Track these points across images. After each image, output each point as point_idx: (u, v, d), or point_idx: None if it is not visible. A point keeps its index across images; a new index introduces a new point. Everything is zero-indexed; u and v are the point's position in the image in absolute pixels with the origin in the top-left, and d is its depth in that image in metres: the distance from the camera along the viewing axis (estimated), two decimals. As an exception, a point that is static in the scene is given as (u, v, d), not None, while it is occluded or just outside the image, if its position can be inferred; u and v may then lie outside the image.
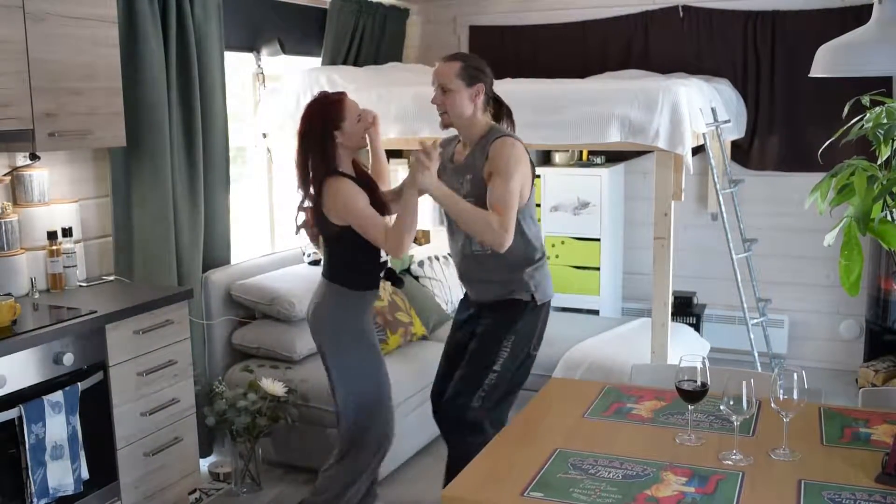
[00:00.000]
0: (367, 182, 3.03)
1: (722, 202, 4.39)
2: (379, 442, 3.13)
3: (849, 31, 2.98)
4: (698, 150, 4.24)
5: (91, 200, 3.55)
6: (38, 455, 2.64)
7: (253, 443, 3.63)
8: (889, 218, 1.98)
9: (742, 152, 5.13)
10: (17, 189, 3.22)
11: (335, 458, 3.11)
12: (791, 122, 4.96)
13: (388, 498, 3.59)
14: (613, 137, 3.77)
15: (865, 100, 2.27)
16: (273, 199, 4.80)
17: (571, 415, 2.40)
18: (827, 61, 2.92)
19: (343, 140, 2.93)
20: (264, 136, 4.58)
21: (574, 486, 1.93)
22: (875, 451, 2.09)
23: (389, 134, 4.17)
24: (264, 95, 4.60)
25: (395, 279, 4.31)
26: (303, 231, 3.10)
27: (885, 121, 2.10)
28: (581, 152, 5.22)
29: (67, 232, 3.27)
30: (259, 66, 4.59)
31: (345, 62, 5.00)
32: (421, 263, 4.73)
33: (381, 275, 3.16)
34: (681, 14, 5.10)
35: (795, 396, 2.07)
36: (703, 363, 2.17)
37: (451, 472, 2.94)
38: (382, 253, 3.07)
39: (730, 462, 2.05)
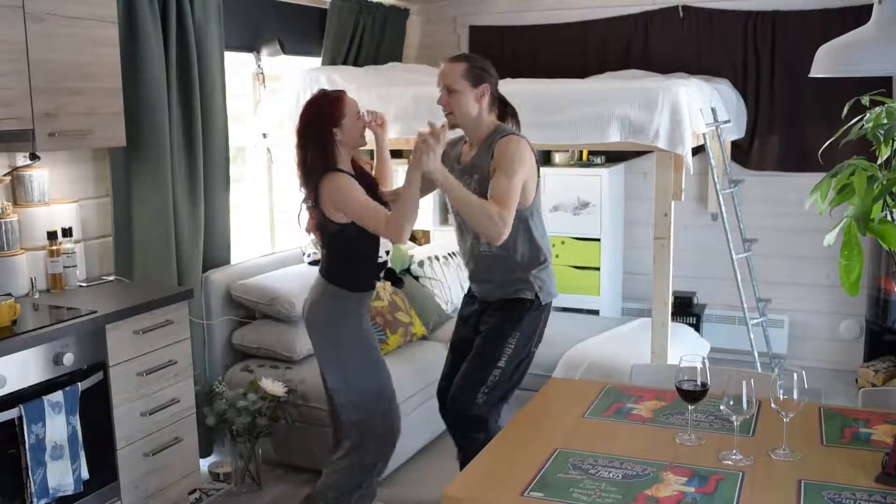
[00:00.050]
0: (366, 181, 3.03)
1: (722, 202, 4.39)
2: (385, 435, 3.13)
3: (849, 31, 2.98)
4: (698, 150, 4.24)
5: (91, 200, 3.55)
6: (38, 455, 2.64)
7: (253, 443, 3.63)
8: (889, 218, 1.98)
9: (742, 152, 5.13)
10: (17, 189, 3.22)
11: (344, 450, 3.10)
12: (791, 122, 4.96)
13: (389, 498, 3.59)
14: (613, 137, 3.77)
15: (865, 100, 2.27)
16: (273, 199, 4.80)
17: (571, 415, 2.40)
18: (827, 61, 2.91)
19: (342, 137, 2.93)
20: (264, 136, 4.58)
21: (574, 486, 1.93)
22: (875, 451, 2.09)
23: (389, 134, 4.14)
24: (264, 95, 4.60)
25: (395, 279, 4.32)
26: (304, 231, 3.10)
27: (885, 121, 2.10)
28: (581, 152, 5.22)
29: (67, 232, 3.27)
30: (259, 66, 4.59)
31: (345, 62, 5.00)
32: (421, 263, 4.73)
33: (381, 275, 3.16)
34: (681, 14, 5.10)
35: (795, 396, 2.07)
36: (703, 363, 2.17)
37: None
38: (382, 253, 3.07)
39: (730, 462, 2.05)
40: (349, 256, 3.02)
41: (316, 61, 4.92)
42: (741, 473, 1.99)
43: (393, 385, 3.16)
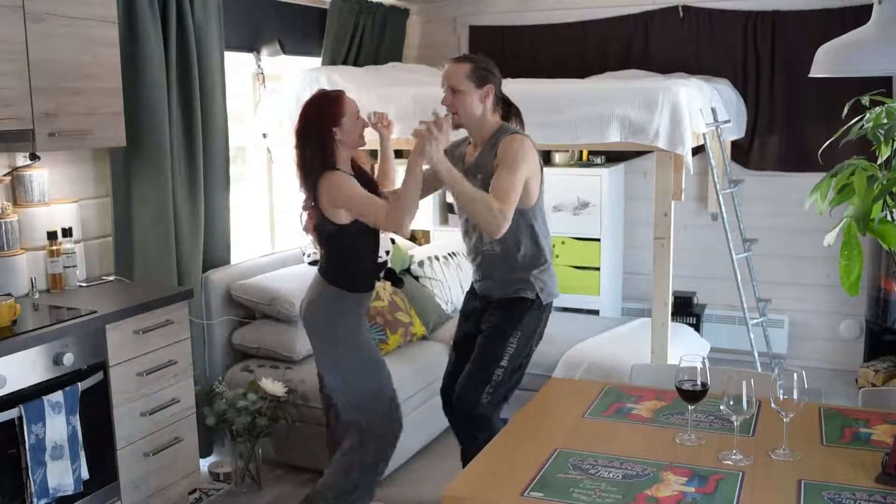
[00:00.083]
0: (365, 180, 3.03)
1: (722, 202, 4.39)
2: (386, 435, 3.13)
3: (849, 31, 2.98)
4: (698, 150, 4.24)
5: (91, 200, 3.55)
6: (38, 455, 2.64)
7: (253, 443, 3.63)
8: (889, 218, 1.98)
9: (742, 152, 5.13)
10: (17, 189, 3.22)
11: (344, 450, 3.10)
12: (791, 122, 4.96)
13: (389, 498, 3.59)
14: (613, 137, 3.77)
15: (865, 100, 2.27)
16: (273, 199, 4.80)
17: (571, 415, 2.40)
18: (827, 61, 2.91)
19: (342, 137, 2.93)
20: (264, 136, 4.58)
21: (574, 486, 1.93)
22: (875, 451, 2.09)
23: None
24: (264, 95, 4.60)
25: (395, 279, 4.33)
26: (304, 231, 3.10)
27: (885, 121, 2.10)
28: (581, 152, 5.22)
29: (67, 232, 3.27)
30: (259, 66, 4.59)
31: (345, 62, 5.00)
32: (421, 263, 4.73)
33: (381, 275, 3.16)
34: (681, 14, 5.10)
35: (795, 396, 2.07)
36: (703, 363, 2.17)
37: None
38: (382, 253, 3.07)
39: (730, 462, 2.05)
40: (348, 257, 3.02)
41: (316, 61, 4.92)
42: (741, 473, 1.99)
43: (393, 385, 3.16)
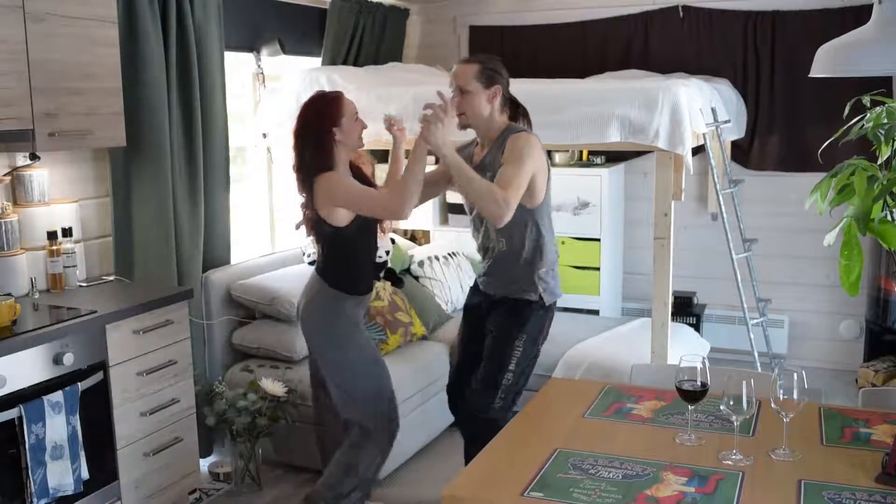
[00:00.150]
0: (366, 184, 3.03)
1: (722, 202, 4.39)
2: (385, 435, 3.14)
3: (849, 31, 2.98)
4: (698, 150, 4.24)
5: (91, 200, 3.55)
6: (38, 455, 2.64)
7: (253, 443, 3.63)
8: (889, 218, 1.98)
9: (742, 152, 5.13)
10: (17, 189, 3.22)
11: (343, 450, 3.10)
12: (791, 122, 4.96)
13: (388, 498, 3.59)
14: (613, 137, 3.77)
15: (866, 100, 2.27)
16: (273, 199, 4.80)
17: (571, 415, 2.40)
18: (827, 61, 2.91)
19: (341, 137, 2.93)
20: (264, 136, 4.58)
21: (574, 486, 1.93)
22: (875, 451, 2.09)
23: (389, 134, 4.16)
24: (264, 95, 4.60)
25: (395, 279, 4.33)
26: (304, 231, 3.10)
27: (885, 121, 2.10)
28: (581, 152, 5.22)
29: (67, 232, 3.27)
30: (259, 66, 4.59)
31: (345, 62, 5.00)
32: (421, 263, 4.73)
33: (381, 275, 3.16)
34: (681, 14, 5.10)
35: (795, 396, 2.07)
36: (703, 363, 2.17)
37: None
38: (382, 252, 3.07)
39: (730, 462, 2.05)
40: (345, 258, 3.02)
41: (316, 61, 4.92)
42: (741, 473, 1.99)
43: (392, 384, 3.16)
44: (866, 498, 1.86)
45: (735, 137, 4.92)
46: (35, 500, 2.64)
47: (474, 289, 3.29)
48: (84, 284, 3.35)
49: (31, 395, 2.65)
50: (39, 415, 2.64)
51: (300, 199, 3.01)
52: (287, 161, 3.03)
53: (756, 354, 4.40)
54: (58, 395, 2.71)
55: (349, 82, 4.38)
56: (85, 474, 2.81)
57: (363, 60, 5.12)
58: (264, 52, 4.53)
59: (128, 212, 3.58)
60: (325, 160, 2.90)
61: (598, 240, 5.04)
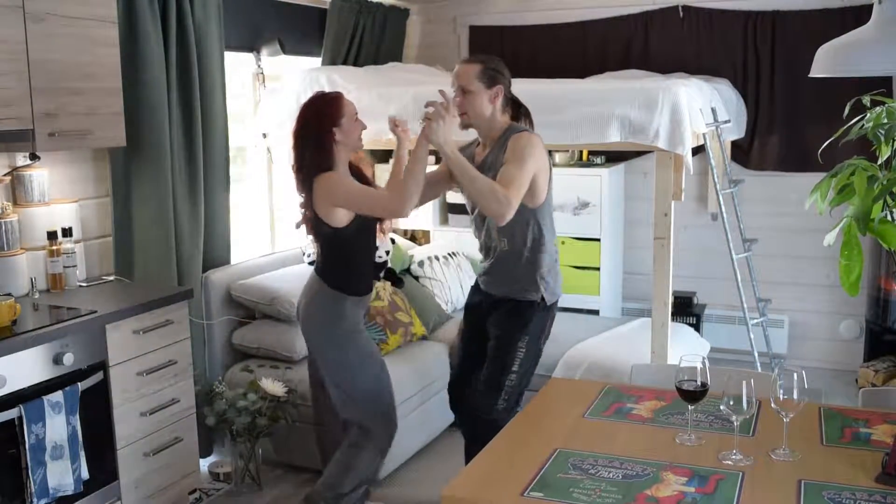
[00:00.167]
0: (365, 183, 3.03)
1: (722, 202, 4.39)
2: (384, 435, 3.14)
3: (849, 31, 2.98)
4: (698, 150, 4.24)
5: (91, 200, 3.55)
6: (38, 455, 2.64)
7: (253, 443, 3.63)
8: (889, 218, 1.98)
9: (742, 152, 5.13)
10: (17, 189, 3.22)
11: (343, 450, 3.10)
12: (791, 122, 4.96)
13: (388, 498, 3.59)
14: (613, 137, 3.77)
15: (866, 100, 2.27)
16: (273, 199, 4.80)
17: (571, 415, 2.40)
18: (827, 61, 2.91)
19: (341, 138, 2.93)
20: (264, 136, 4.58)
21: (574, 486, 1.93)
22: (875, 451, 2.09)
23: (389, 134, 4.13)
24: (264, 95, 4.60)
25: (395, 279, 4.33)
26: (304, 231, 3.10)
27: (885, 121, 2.10)
28: (581, 152, 5.22)
29: (67, 232, 3.27)
30: (259, 66, 4.59)
31: (345, 62, 5.00)
32: (421, 263, 4.73)
33: (381, 275, 3.16)
34: (681, 14, 5.10)
35: (795, 396, 2.07)
36: (703, 363, 2.17)
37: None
38: (382, 252, 3.07)
39: (730, 462, 2.05)
40: (344, 259, 3.01)
41: (316, 61, 4.92)
42: (741, 473, 1.99)
43: (391, 385, 3.16)
44: (866, 498, 1.86)
45: (735, 137, 4.92)
46: (35, 500, 2.64)
47: (475, 288, 3.29)
48: (84, 284, 3.35)
49: (31, 395, 2.64)
50: (39, 415, 2.64)
51: (299, 198, 3.01)
52: (287, 161, 3.03)
53: (756, 354, 4.40)
54: (58, 395, 2.71)
55: (349, 82, 4.38)
56: (85, 474, 2.81)
57: (363, 60, 5.12)
58: (264, 52, 4.53)
59: (128, 212, 3.58)
60: (325, 160, 2.90)
61: (598, 240, 5.04)
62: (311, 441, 3.71)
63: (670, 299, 3.88)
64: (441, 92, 2.86)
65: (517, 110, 3.11)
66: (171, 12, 3.58)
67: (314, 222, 2.96)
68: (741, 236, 4.72)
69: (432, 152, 2.97)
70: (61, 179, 3.40)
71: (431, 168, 3.04)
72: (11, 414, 2.58)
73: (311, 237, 3.11)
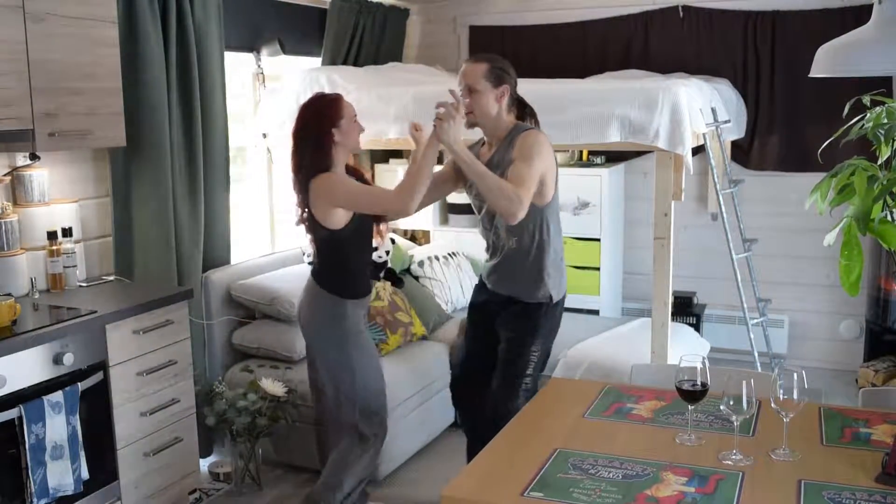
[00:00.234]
0: (364, 183, 3.04)
1: (722, 202, 4.39)
2: (382, 435, 3.15)
3: (849, 31, 2.98)
4: (698, 150, 4.24)
5: (91, 200, 3.55)
6: (38, 455, 2.64)
7: (253, 443, 3.63)
8: (889, 218, 1.98)
9: (742, 152, 5.13)
10: (17, 189, 3.22)
11: (342, 450, 3.10)
12: (791, 122, 4.96)
13: (388, 498, 3.59)
14: (613, 137, 3.77)
15: (866, 100, 2.27)
16: (273, 199, 4.80)
17: (571, 415, 2.40)
18: (827, 61, 2.91)
19: (340, 139, 2.93)
20: (264, 136, 4.58)
21: (574, 486, 1.93)
22: (875, 451, 2.09)
23: (389, 134, 4.17)
24: (264, 95, 4.60)
25: (395, 279, 4.33)
26: (303, 230, 3.10)
27: (885, 121, 2.10)
28: (581, 152, 5.22)
29: (67, 232, 3.27)
30: (259, 66, 4.59)
31: (345, 62, 5.00)
32: (421, 263, 4.73)
33: (381, 275, 3.16)
34: (681, 14, 5.10)
35: (795, 396, 2.07)
36: (703, 363, 2.17)
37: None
38: (382, 252, 3.07)
39: (730, 462, 2.05)
40: (341, 261, 3.01)
41: (316, 61, 4.92)
42: (741, 473, 1.99)
43: (385, 385, 3.17)
44: (866, 498, 1.86)
45: (735, 137, 4.92)
46: (35, 500, 2.64)
47: (480, 287, 3.28)
48: (84, 284, 3.35)
49: (31, 395, 2.65)
50: (39, 415, 2.64)
51: (297, 199, 3.01)
52: (287, 161, 3.03)
53: (756, 354, 4.40)
54: (58, 395, 2.71)
55: (349, 82, 4.38)
56: (85, 474, 2.81)
57: (363, 60, 5.12)
58: (264, 52, 4.53)
59: (128, 212, 3.58)
60: (323, 161, 2.90)
61: (598, 240, 5.04)
62: (311, 441, 3.70)
63: (670, 299, 3.88)
64: (451, 92, 2.86)
65: (522, 110, 3.11)
66: (171, 12, 3.58)
67: (311, 224, 2.96)
68: (741, 236, 4.72)
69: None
70: (61, 179, 3.40)
71: (436, 168, 3.04)
72: (11, 414, 2.58)
73: (309, 236, 3.11)
